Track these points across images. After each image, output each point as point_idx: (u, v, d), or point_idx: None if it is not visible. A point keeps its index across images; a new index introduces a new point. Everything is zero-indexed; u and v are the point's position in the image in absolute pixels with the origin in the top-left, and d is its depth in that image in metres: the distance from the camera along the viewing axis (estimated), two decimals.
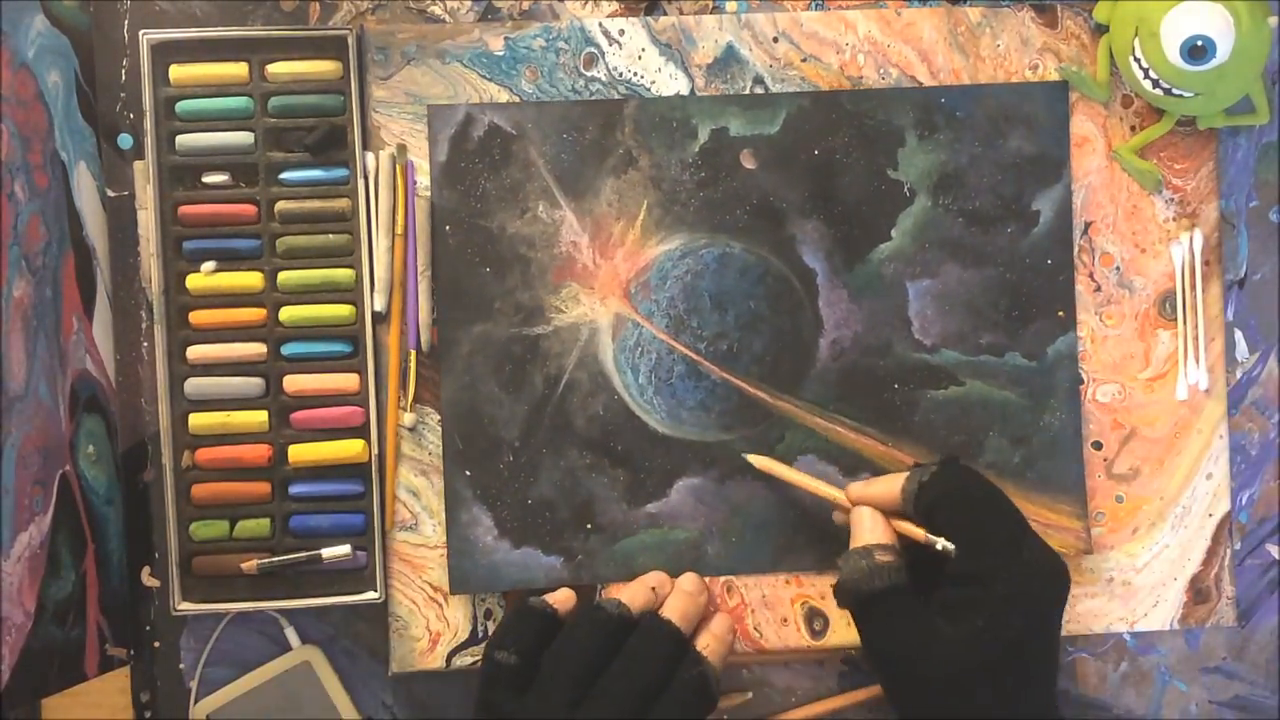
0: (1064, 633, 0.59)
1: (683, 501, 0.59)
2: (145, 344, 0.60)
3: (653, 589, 0.56)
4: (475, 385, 0.59)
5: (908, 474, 0.53)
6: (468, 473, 0.59)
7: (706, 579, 0.59)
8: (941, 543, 0.51)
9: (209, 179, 0.58)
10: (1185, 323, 0.60)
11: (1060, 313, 0.59)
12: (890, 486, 0.54)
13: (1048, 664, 0.52)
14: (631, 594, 0.55)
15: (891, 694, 0.53)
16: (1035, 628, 0.50)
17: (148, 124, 0.58)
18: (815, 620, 0.60)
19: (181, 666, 0.60)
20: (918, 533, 0.52)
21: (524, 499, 0.59)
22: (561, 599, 0.55)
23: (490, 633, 0.59)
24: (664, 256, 0.59)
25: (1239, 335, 0.61)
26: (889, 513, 0.54)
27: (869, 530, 0.53)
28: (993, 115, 0.59)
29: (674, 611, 0.54)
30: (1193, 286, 0.60)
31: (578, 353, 0.59)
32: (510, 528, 0.59)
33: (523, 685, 0.52)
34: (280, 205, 0.58)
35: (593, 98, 0.59)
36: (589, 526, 0.59)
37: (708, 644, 0.54)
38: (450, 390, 0.59)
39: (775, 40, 0.59)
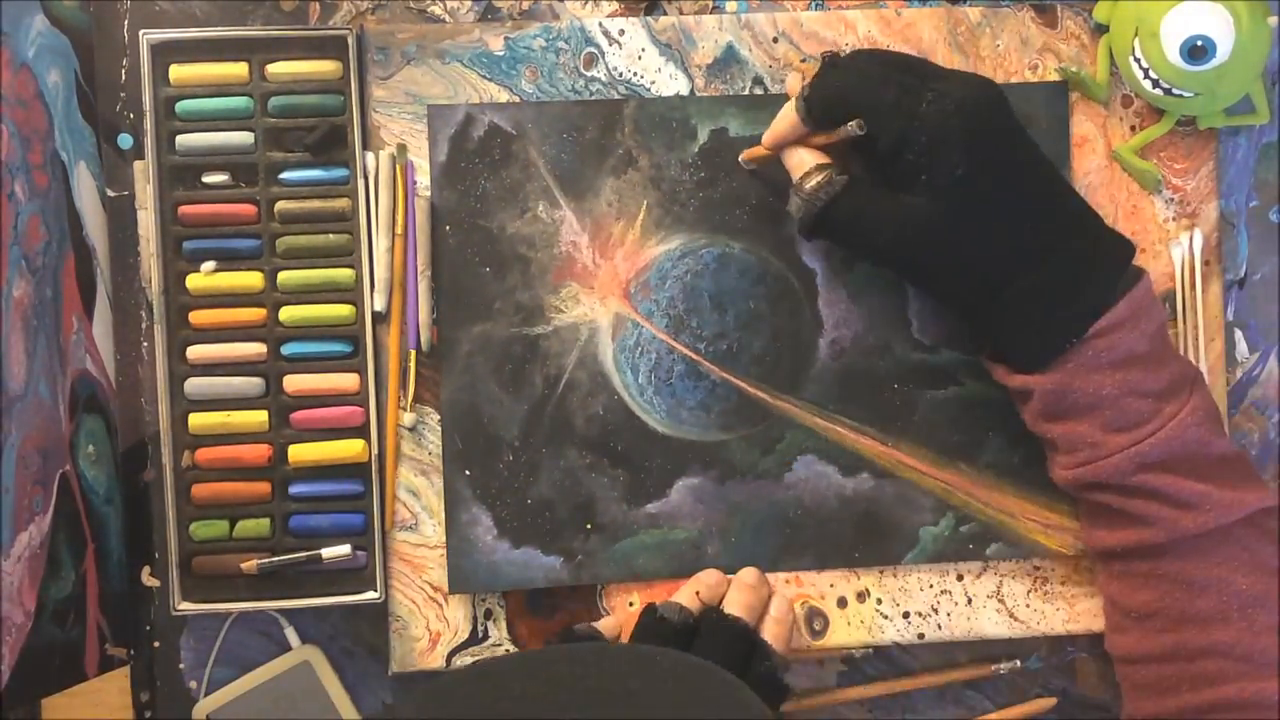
0: (1065, 631, 0.59)
1: (683, 501, 0.59)
2: (145, 344, 0.60)
3: (713, 585, 0.56)
4: (475, 385, 0.59)
5: (797, 93, 0.54)
6: (467, 472, 0.59)
7: None
8: (848, 127, 0.51)
9: (209, 179, 0.58)
10: (1185, 322, 0.60)
11: None
12: (787, 114, 0.54)
13: (1034, 178, 0.52)
14: (691, 594, 0.56)
15: (903, 274, 0.55)
16: (985, 153, 0.50)
17: (148, 124, 0.58)
18: (815, 620, 0.60)
19: (181, 666, 0.60)
20: (830, 138, 0.53)
21: (524, 499, 0.59)
22: (612, 625, 0.56)
23: (487, 632, 0.59)
24: (664, 256, 0.59)
25: (1239, 335, 0.61)
26: (805, 140, 0.54)
27: (793, 165, 0.55)
28: None
29: (737, 605, 0.55)
30: (1192, 286, 0.60)
31: (577, 352, 0.59)
32: (510, 527, 0.59)
33: None
34: (280, 205, 0.58)
35: (593, 98, 0.59)
36: (589, 526, 0.59)
37: (770, 629, 0.55)
38: (450, 390, 0.59)
39: (775, 40, 0.59)
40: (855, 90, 0.51)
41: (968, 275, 0.52)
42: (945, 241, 0.51)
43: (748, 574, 0.58)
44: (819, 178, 0.53)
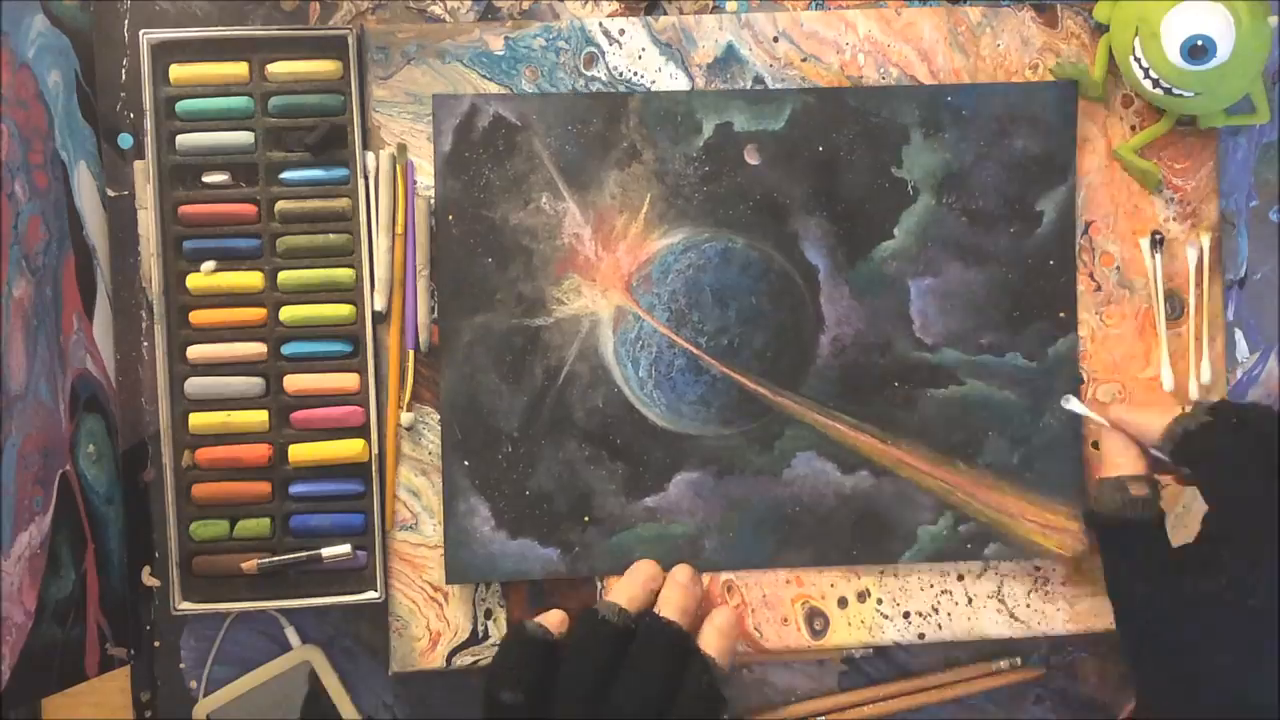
0: (1065, 631, 0.59)
1: (681, 496, 0.59)
2: (145, 344, 0.60)
3: (649, 579, 0.56)
4: (475, 375, 0.59)
5: (1176, 415, 0.51)
6: (466, 463, 0.59)
7: (704, 575, 0.59)
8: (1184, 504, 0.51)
9: (209, 179, 0.58)
10: (1191, 322, 0.60)
11: (1061, 314, 0.59)
12: (1153, 423, 0.52)
13: None
14: (629, 594, 0.55)
15: (1123, 630, 0.52)
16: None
17: (148, 124, 0.58)
18: (815, 620, 0.60)
19: (182, 666, 0.60)
20: (1177, 482, 0.52)
21: (522, 490, 0.59)
22: (555, 621, 0.55)
23: (488, 632, 0.59)
24: (666, 250, 0.59)
25: (1239, 335, 0.61)
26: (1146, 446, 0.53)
27: (1125, 461, 0.53)
28: (999, 114, 0.59)
29: (672, 608, 0.54)
30: (1199, 285, 0.60)
31: (578, 345, 0.59)
32: (508, 518, 0.59)
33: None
34: (280, 205, 0.58)
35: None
36: (586, 519, 0.59)
37: (711, 641, 0.54)
38: (450, 380, 0.59)
39: (775, 40, 0.59)
40: (1235, 470, 0.49)
41: (1184, 684, 0.49)
42: (1191, 650, 0.48)
43: (681, 572, 0.57)
44: (1145, 491, 0.52)
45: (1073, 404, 0.57)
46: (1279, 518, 0.47)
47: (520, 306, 0.59)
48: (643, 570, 0.57)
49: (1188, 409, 0.52)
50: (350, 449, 0.58)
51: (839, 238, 0.59)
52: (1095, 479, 0.55)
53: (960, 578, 0.60)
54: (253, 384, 0.58)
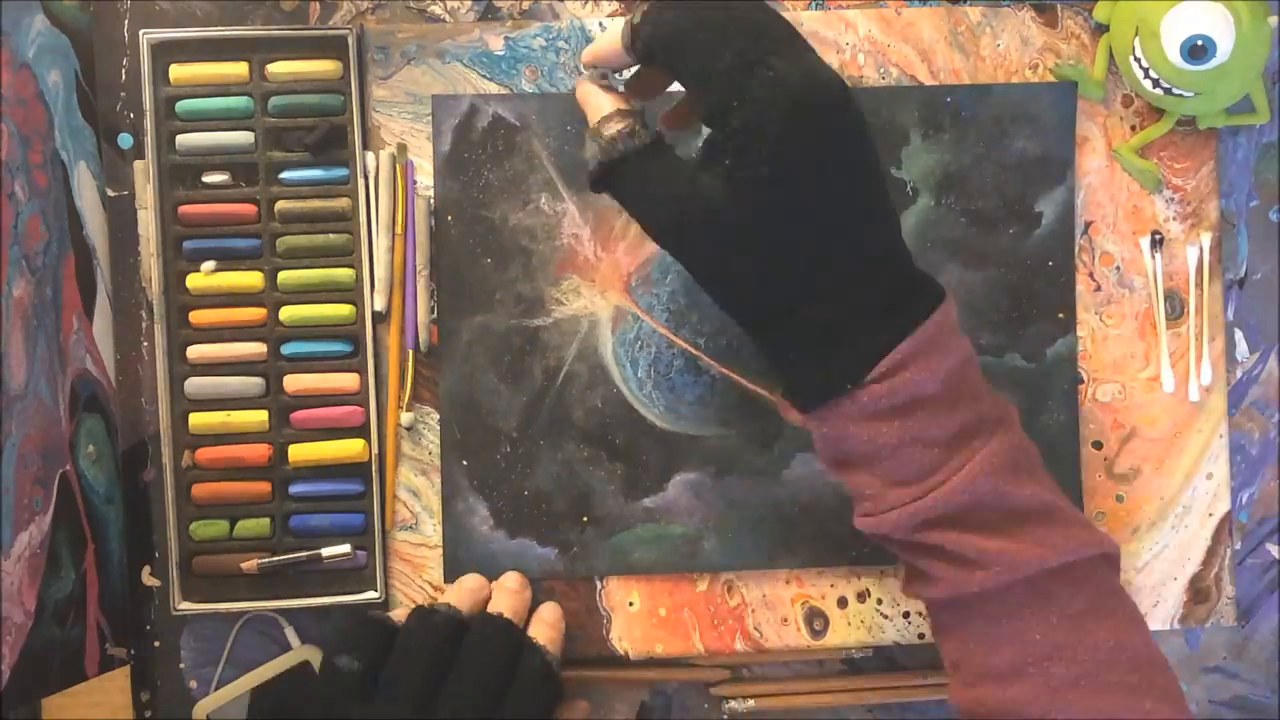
0: None
1: (679, 496, 0.59)
2: (145, 344, 0.60)
3: (475, 590, 0.56)
4: (474, 375, 0.59)
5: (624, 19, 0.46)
6: (465, 462, 0.59)
7: (704, 576, 0.59)
8: (681, 104, 0.46)
9: (209, 179, 0.58)
10: (1192, 322, 0.60)
11: (1060, 315, 0.59)
12: (613, 40, 0.47)
13: (849, 198, 0.44)
14: (458, 597, 0.55)
15: (681, 261, 0.47)
16: (799, 158, 0.42)
17: (148, 124, 0.58)
18: (815, 620, 0.60)
19: (182, 666, 0.60)
20: (657, 86, 0.47)
21: (520, 490, 0.59)
22: (400, 615, 0.55)
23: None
24: (665, 251, 0.59)
25: (1239, 335, 0.61)
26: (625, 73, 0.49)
27: (594, 106, 0.48)
28: (999, 115, 0.59)
29: (503, 606, 0.55)
30: (1199, 285, 0.60)
31: (577, 345, 0.59)
32: (506, 518, 0.59)
33: (366, 693, 0.51)
34: (280, 205, 0.58)
35: None
36: (585, 519, 0.59)
37: (541, 632, 0.55)
38: (449, 380, 0.59)
39: None
40: (688, 38, 0.43)
41: (749, 289, 0.45)
42: (730, 243, 0.44)
43: (510, 579, 0.58)
44: (619, 125, 0.46)
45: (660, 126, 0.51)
46: (753, 72, 0.42)
47: (519, 307, 0.59)
48: (468, 581, 0.57)
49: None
50: (350, 449, 0.58)
51: None
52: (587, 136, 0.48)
53: None
54: (253, 384, 0.58)
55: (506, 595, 0.56)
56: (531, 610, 0.57)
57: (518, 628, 0.54)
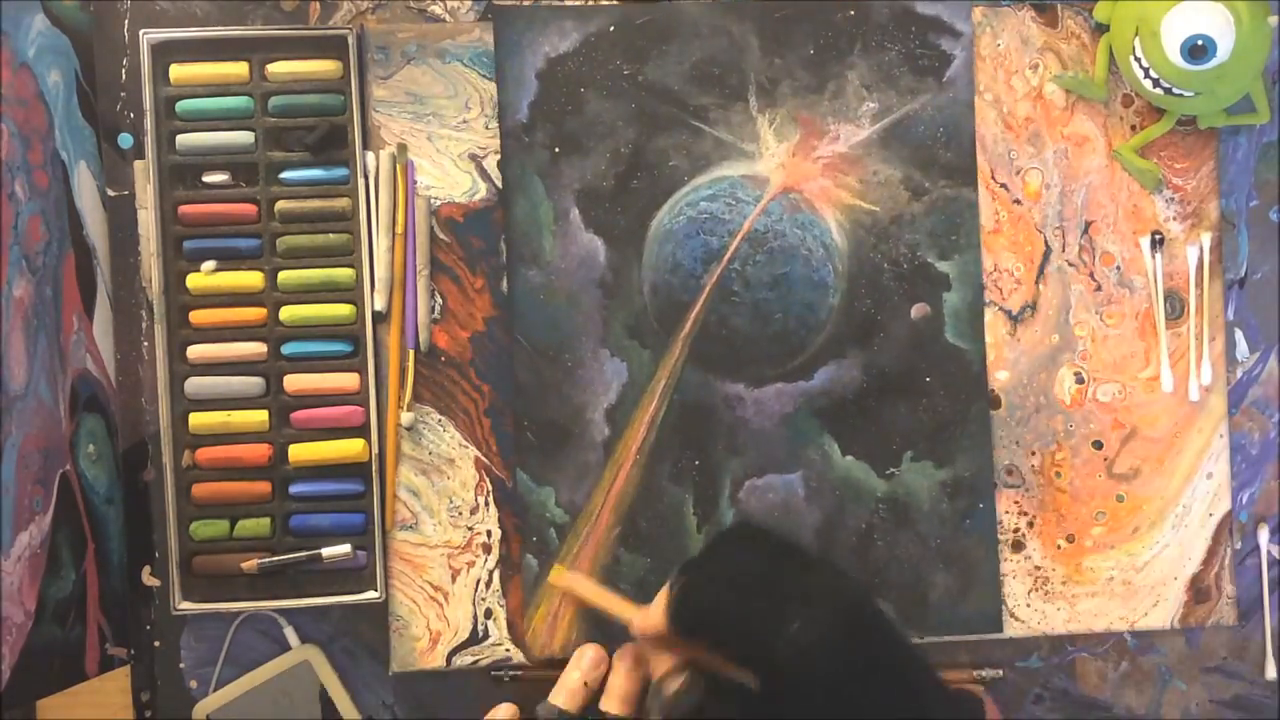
0: (1065, 631, 0.59)
1: None
2: (145, 343, 0.60)
3: (591, 669, 0.56)
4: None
5: (661, 598, 0.51)
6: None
7: None
8: (730, 671, 0.49)
9: (209, 178, 0.58)
10: (1191, 322, 0.60)
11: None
12: (657, 621, 0.51)
13: (890, 691, 0.48)
14: (569, 693, 0.55)
15: None
16: (842, 689, 0.47)
17: (148, 123, 0.58)
18: None
19: (182, 666, 0.60)
20: (714, 665, 0.50)
21: None
22: (505, 717, 0.54)
23: (488, 632, 0.59)
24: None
25: (1239, 335, 0.61)
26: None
27: (652, 664, 0.52)
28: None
29: (616, 698, 0.54)
30: (1199, 285, 0.60)
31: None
32: None
33: None
34: (280, 205, 0.58)
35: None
36: None
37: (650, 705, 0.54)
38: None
39: None
40: (716, 617, 0.49)
41: None
42: None
43: (627, 654, 0.56)
44: (677, 683, 0.51)
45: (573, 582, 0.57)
46: (772, 639, 0.47)
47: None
48: (585, 659, 0.56)
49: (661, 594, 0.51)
50: (350, 449, 0.58)
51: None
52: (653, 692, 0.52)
53: None
54: (253, 384, 0.58)
55: (624, 679, 0.55)
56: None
57: None
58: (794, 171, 0.59)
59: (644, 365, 0.59)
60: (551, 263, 0.59)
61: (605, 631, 0.58)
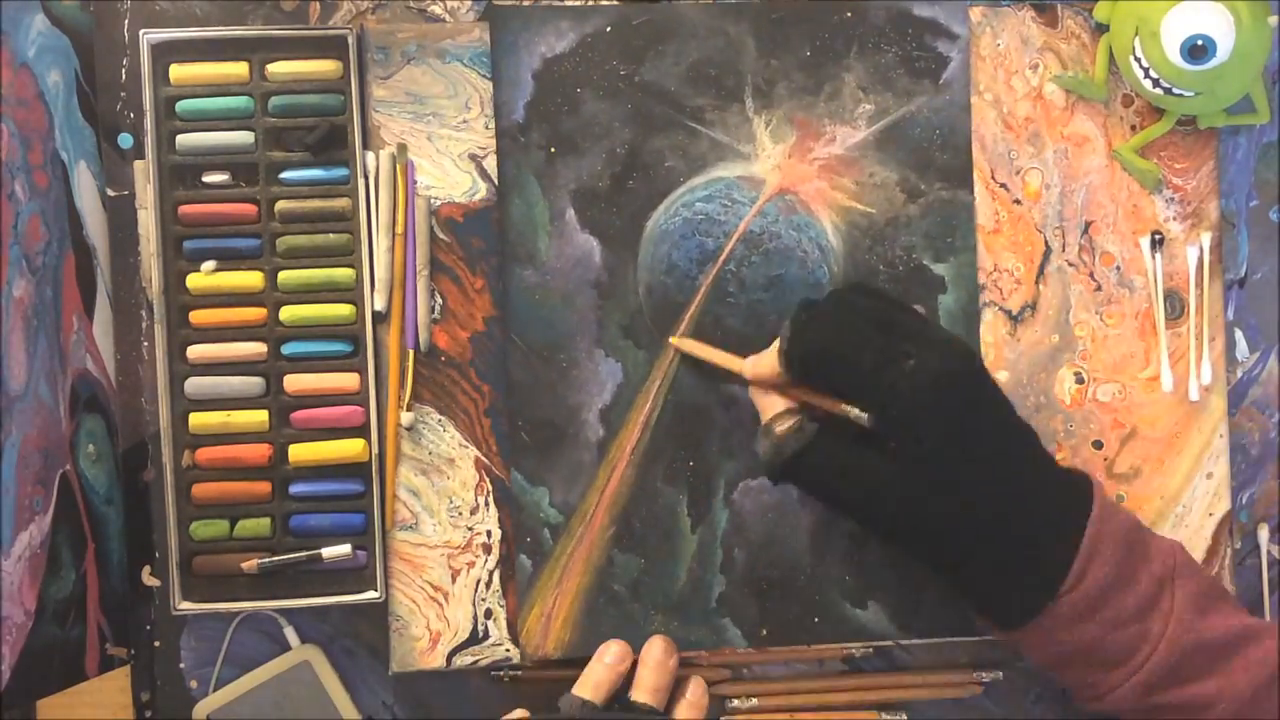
0: None
1: None
2: (145, 344, 0.60)
3: (616, 664, 0.55)
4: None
5: (777, 341, 0.53)
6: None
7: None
8: (847, 410, 0.51)
9: (209, 178, 0.58)
10: (1191, 322, 0.60)
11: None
12: (772, 364, 0.53)
13: (1002, 447, 0.51)
14: (595, 683, 0.54)
15: (867, 528, 0.54)
16: (955, 429, 0.49)
17: (148, 123, 0.58)
18: None
19: (182, 666, 0.60)
20: (826, 404, 0.52)
21: None
22: (520, 715, 0.54)
23: (488, 632, 0.59)
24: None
25: (1239, 335, 0.61)
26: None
27: (763, 405, 0.54)
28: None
29: (645, 689, 0.54)
30: (1199, 285, 0.60)
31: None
32: None
33: None
34: (280, 205, 0.58)
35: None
36: None
37: (684, 715, 0.54)
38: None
39: None
40: (833, 351, 0.50)
41: (935, 541, 0.51)
42: (909, 510, 0.50)
43: (654, 648, 0.56)
44: (789, 423, 0.53)
45: (685, 344, 0.58)
46: (886, 372, 0.49)
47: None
48: (610, 653, 0.56)
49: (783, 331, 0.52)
50: (350, 449, 0.58)
51: None
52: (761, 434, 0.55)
53: None
54: (253, 384, 0.58)
55: (653, 671, 0.55)
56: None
57: (660, 715, 0.53)
58: (790, 173, 0.59)
59: (639, 366, 0.59)
60: (547, 263, 0.59)
61: (600, 632, 0.58)
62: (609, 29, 0.59)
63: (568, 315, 0.59)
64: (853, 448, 0.52)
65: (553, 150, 0.59)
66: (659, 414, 0.59)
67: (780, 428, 0.53)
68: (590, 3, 0.59)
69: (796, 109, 0.59)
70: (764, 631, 0.59)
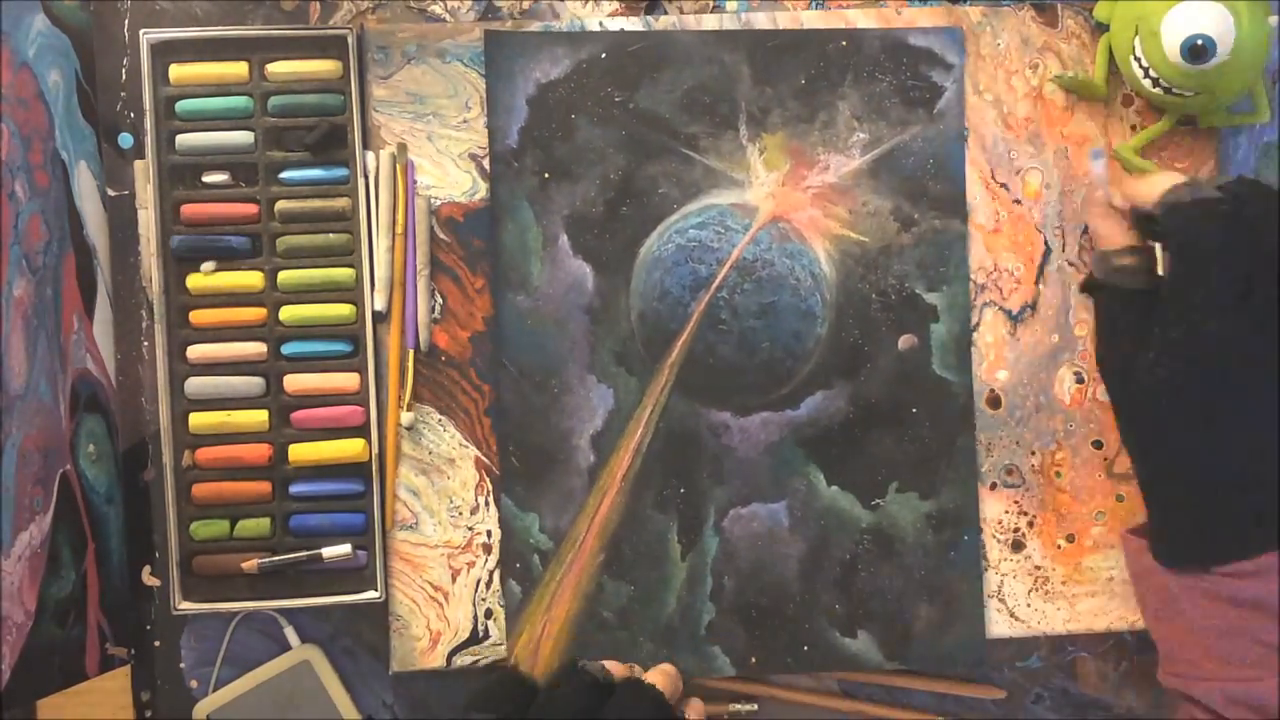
0: (1065, 631, 0.59)
1: None
2: (145, 343, 0.60)
3: (631, 666, 0.55)
4: None
5: (1174, 184, 0.52)
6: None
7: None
8: (1162, 268, 0.52)
9: (209, 178, 0.58)
10: None
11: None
12: (1153, 189, 0.53)
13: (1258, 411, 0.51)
14: (613, 664, 0.54)
15: (1110, 384, 0.55)
16: (1239, 371, 0.50)
17: (148, 123, 0.58)
18: None
19: (182, 666, 0.60)
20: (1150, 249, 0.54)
21: None
22: (539, 671, 0.54)
23: (488, 632, 0.59)
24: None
25: None
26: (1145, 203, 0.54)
27: (1105, 233, 0.56)
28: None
29: (655, 680, 0.54)
30: None
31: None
32: None
33: None
34: (280, 205, 0.58)
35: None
36: None
37: (690, 716, 0.54)
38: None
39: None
40: (1203, 265, 0.50)
41: (1165, 441, 0.52)
42: (1160, 394, 0.51)
43: (666, 666, 0.57)
44: (1128, 261, 0.54)
45: (1099, 162, 0.57)
46: (1218, 313, 0.50)
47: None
48: (625, 667, 0.56)
49: (1194, 178, 0.53)
50: (350, 449, 0.58)
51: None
52: (1095, 250, 0.57)
53: None
54: (253, 384, 0.58)
55: (660, 676, 0.54)
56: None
57: (666, 699, 0.52)
58: (783, 201, 0.59)
59: (630, 392, 0.59)
60: (539, 288, 0.59)
61: (589, 658, 0.56)
62: (604, 55, 0.59)
63: (560, 341, 0.59)
64: (1152, 308, 0.52)
65: (546, 176, 0.59)
66: (650, 441, 0.59)
67: (1119, 261, 0.55)
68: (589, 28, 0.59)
69: (791, 137, 0.59)
70: (753, 659, 0.59)
